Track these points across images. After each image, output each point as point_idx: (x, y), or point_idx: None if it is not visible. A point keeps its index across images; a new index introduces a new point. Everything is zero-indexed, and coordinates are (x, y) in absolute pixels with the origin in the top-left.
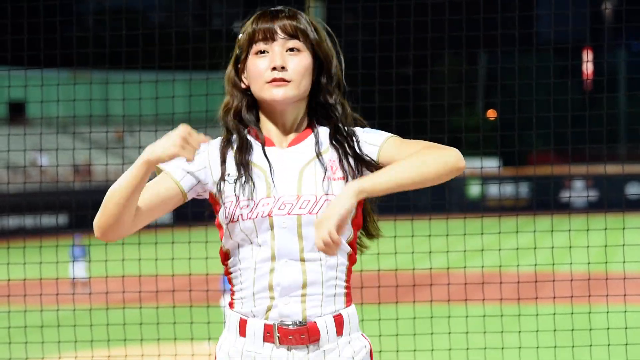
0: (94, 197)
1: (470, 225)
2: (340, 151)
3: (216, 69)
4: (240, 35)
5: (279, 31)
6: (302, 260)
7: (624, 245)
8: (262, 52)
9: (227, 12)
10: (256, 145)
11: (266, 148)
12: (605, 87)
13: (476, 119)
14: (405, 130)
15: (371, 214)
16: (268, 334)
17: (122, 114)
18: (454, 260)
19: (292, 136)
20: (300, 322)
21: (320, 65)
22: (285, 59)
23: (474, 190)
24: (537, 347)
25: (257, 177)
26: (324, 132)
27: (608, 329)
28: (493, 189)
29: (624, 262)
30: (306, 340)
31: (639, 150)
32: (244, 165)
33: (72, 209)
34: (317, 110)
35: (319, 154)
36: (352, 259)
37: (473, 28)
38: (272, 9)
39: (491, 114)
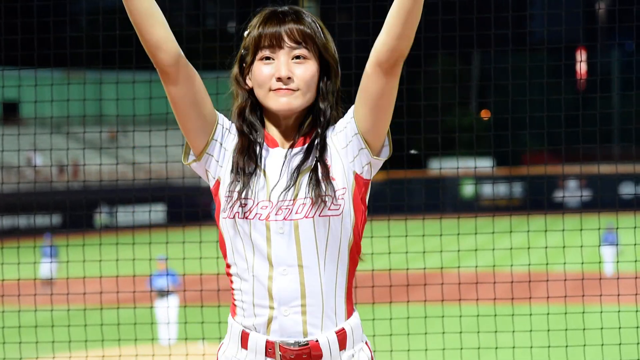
0: (88, 197)
1: (464, 225)
2: (332, 150)
3: (210, 69)
4: (246, 32)
5: (285, 38)
6: (300, 267)
7: (617, 244)
8: (268, 58)
9: (221, 13)
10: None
11: (270, 150)
12: (598, 87)
13: (470, 119)
14: (399, 129)
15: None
16: (270, 350)
17: (115, 113)
18: (448, 260)
19: (295, 137)
20: (302, 343)
21: (323, 70)
22: (291, 68)
23: (468, 190)
24: (531, 347)
25: (259, 178)
26: (325, 134)
27: (602, 328)
28: (487, 189)
29: (617, 262)
30: (308, 358)
31: (633, 150)
32: (247, 165)
33: (66, 208)
34: (314, 111)
35: (318, 157)
36: (353, 261)
37: (466, 28)
38: (279, 9)
39: (485, 113)
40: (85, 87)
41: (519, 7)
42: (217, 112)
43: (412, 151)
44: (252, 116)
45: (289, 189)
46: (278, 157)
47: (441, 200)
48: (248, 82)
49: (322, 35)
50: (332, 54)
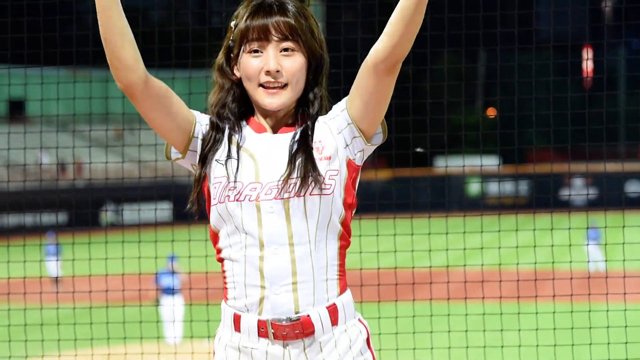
0: (93, 195)
1: (470, 224)
2: (325, 132)
3: None
4: (233, 23)
5: (273, 31)
6: (291, 245)
7: (623, 243)
8: (256, 51)
9: (227, 11)
10: (247, 130)
11: (257, 134)
12: (605, 85)
13: (476, 117)
14: (405, 127)
15: None
16: (262, 329)
17: (121, 112)
18: (454, 258)
19: (283, 124)
20: (293, 318)
21: (311, 59)
22: (279, 61)
23: (474, 188)
24: (537, 346)
25: (247, 161)
26: (315, 119)
27: (608, 327)
28: (493, 187)
29: (623, 260)
30: (300, 334)
31: (639, 148)
32: (233, 148)
33: (72, 206)
34: (303, 101)
35: (306, 137)
36: (344, 241)
37: (472, 26)
38: (265, 2)
39: (491, 112)
40: (92, 85)
41: (525, 5)
42: (194, 112)
43: (418, 149)
44: (233, 108)
45: (279, 169)
46: (266, 141)
47: (447, 198)
48: (236, 72)
49: (307, 24)
50: (319, 43)
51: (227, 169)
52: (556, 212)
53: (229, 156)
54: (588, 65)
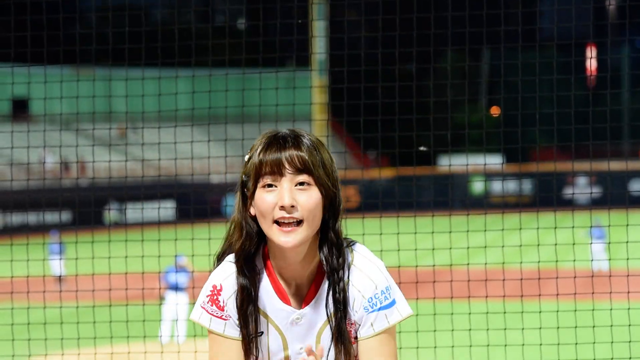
0: (96, 193)
1: (474, 222)
2: (356, 315)
3: (219, 66)
4: (247, 157)
5: (287, 165)
6: None
7: (627, 242)
8: (270, 185)
9: (230, 9)
10: (269, 290)
11: (281, 305)
12: (608, 84)
13: (479, 116)
14: (409, 126)
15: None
16: None
17: (125, 110)
18: (457, 257)
19: (304, 285)
20: None
21: (326, 196)
22: (294, 196)
23: (477, 186)
24: (540, 345)
25: (275, 341)
26: (334, 280)
27: (611, 326)
28: (496, 186)
29: (627, 258)
30: None
31: None
32: (261, 317)
33: (75, 205)
34: (321, 241)
35: (332, 317)
36: None
37: (476, 24)
38: (279, 134)
39: (494, 110)
40: (95, 83)
41: (529, 4)
42: (231, 336)
43: (422, 148)
44: (257, 261)
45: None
46: (294, 318)
47: (450, 197)
48: (251, 210)
49: (321, 159)
50: (332, 179)
51: (254, 348)
52: (560, 210)
53: (256, 332)
54: (592, 63)
